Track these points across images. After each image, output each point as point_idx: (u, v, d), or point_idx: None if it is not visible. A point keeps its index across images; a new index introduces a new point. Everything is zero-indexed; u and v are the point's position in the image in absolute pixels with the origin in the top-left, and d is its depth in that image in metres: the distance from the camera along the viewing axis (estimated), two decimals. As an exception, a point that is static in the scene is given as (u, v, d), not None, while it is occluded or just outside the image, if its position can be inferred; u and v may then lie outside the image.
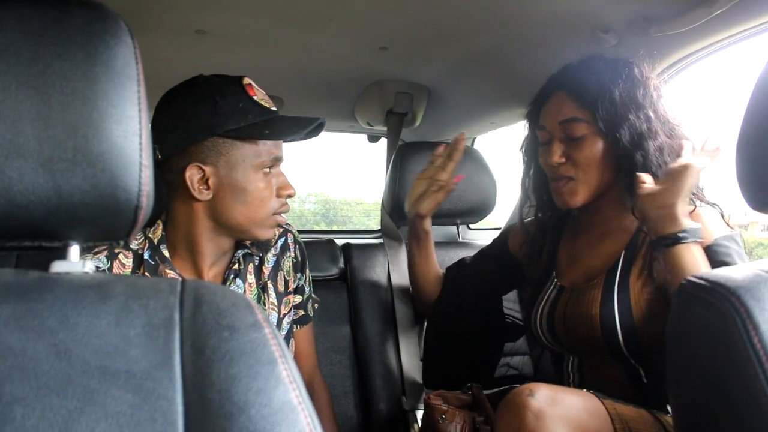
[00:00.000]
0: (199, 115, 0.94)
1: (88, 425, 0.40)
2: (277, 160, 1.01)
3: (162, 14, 1.21)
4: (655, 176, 0.98)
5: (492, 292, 1.39)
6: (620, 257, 1.05)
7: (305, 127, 0.99)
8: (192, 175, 0.95)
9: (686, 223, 0.92)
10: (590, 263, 1.11)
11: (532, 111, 1.16)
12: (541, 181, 1.20)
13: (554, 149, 1.07)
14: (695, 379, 0.56)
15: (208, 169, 0.95)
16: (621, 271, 1.03)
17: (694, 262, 0.90)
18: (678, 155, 0.97)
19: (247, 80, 0.98)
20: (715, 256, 0.95)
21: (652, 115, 1.02)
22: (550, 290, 1.14)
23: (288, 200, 1.05)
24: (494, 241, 1.41)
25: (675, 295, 0.60)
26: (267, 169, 1.00)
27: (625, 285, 1.02)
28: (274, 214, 1.02)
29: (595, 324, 1.01)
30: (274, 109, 1.00)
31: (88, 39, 0.45)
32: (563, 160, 1.06)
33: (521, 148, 1.24)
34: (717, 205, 1.03)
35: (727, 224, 1.01)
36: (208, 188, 0.97)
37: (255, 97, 0.97)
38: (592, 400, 0.88)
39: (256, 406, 0.43)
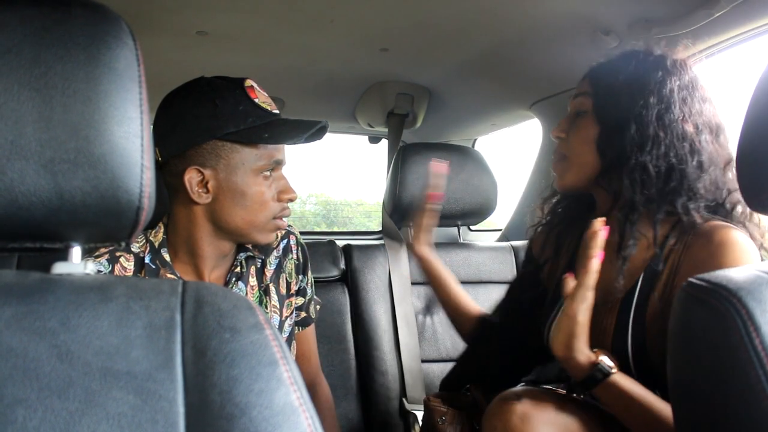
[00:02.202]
0: (199, 118, 0.93)
1: (90, 426, 0.41)
2: (278, 164, 1.00)
3: (164, 16, 1.21)
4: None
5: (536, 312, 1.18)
6: (639, 279, 0.92)
7: (306, 130, 0.97)
8: (191, 178, 0.94)
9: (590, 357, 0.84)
10: (609, 279, 0.94)
11: None
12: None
13: (560, 122, 1.02)
14: (696, 380, 0.56)
15: (207, 173, 0.95)
16: (639, 296, 0.91)
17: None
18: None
19: (249, 82, 0.97)
20: None
21: (670, 118, 0.89)
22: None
23: (289, 203, 1.04)
24: (525, 257, 1.27)
25: (676, 297, 0.60)
26: (267, 173, 0.98)
27: (641, 313, 0.90)
28: (275, 218, 1.01)
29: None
30: (276, 111, 0.99)
31: (89, 40, 0.45)
32: (564, 135, 1.01)
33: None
34: (744, 226, 0.88)
35: (762, 246, 0.87)
36: (207, 191, 0.96)
37: (256, 100, 0.96)
38: (579, 404, 0.86)
39: (257, 408, 0.43)
